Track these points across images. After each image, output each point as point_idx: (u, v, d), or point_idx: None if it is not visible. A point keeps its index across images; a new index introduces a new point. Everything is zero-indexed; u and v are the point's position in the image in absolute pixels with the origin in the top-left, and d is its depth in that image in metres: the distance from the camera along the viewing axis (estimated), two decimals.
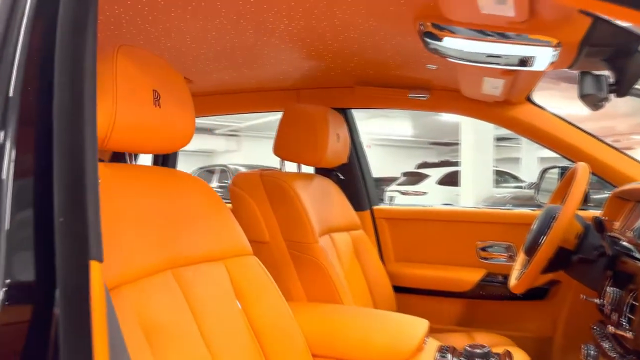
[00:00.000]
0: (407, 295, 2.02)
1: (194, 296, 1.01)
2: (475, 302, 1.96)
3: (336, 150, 1.77)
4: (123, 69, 0.90)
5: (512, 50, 1.20)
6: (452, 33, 1.18)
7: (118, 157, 1.11)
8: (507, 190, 9.75)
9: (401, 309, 1.91)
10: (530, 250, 1.35)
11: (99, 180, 0.59)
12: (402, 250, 2.13)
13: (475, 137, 8.91)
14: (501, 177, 11.09)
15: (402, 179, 11.30)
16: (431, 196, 10.07)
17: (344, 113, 2.05)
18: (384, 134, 14.33)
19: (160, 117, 0.99)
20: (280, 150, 1.72)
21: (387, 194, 10.50)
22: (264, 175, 1.63)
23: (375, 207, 2.15)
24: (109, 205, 0.83)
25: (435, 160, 12.92)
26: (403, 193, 10.54)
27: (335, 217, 1.84)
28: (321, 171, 2.06)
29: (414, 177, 11.07)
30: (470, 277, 1.94)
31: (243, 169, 8.34)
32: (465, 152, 9.16)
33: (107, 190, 0.86)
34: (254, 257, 1.20)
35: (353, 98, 2.00)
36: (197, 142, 13.91)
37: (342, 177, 2.09)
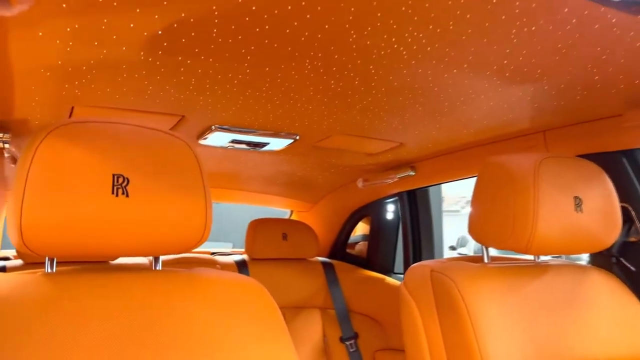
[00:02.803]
0: None
1: None
2: None
3: (574, 225, 1.02)
4: (48, 150, 0.70)
5: None
6: None
7: None
8: None
9: None
10: None
11: None
12: None
13: None
14: None
15: None
16: None
17: (625, 158, 1.22)
18: None
19: (128, 210, 0.72)
20: (474, 228, 1.12)
21: None
22: (435, 270, 1.08)
23: None
24: None
25: None
26: None
27: (594, 341, 1.04)
28: (598, 258, 1.26)
29: None
30: None
31: None
32: None
33: None
34: None
35: (629, 132, 1.16)
36: None
37: (633, 268, 1.21)
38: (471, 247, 11.45)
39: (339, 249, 2.40)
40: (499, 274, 1.05)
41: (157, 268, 0.84)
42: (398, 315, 1.96)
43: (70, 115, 1.23)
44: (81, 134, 0.72)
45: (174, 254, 0.79)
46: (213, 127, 1.37)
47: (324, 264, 2.17)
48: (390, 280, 2.04)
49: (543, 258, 1.21)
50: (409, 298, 1.11)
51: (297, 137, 1.48)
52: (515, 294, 1.03)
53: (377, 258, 2.17)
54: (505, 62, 0.95)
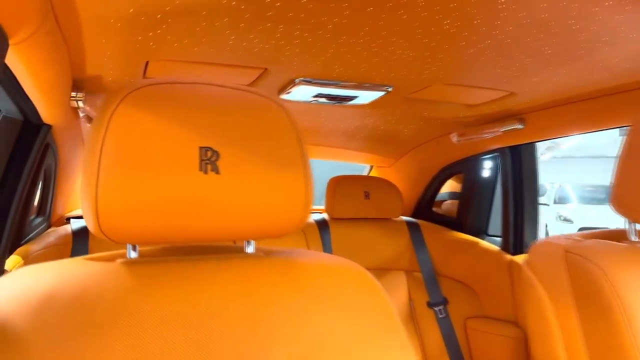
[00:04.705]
0: None
1: None
2: None
3: None
4: (123, 119, 0.57)
5: None
6: None
7: None
8: None
9: None
10: None
11: None
12: None
13: None
14: None
15: None
16: None
17: None
18: None
19: (218, 190, 0.59)
20: (618, 198, 0.92)
21: None
22: (571, 250, 0.89)
23: None
24: None
25: None
26: None
27: None
28: None
29: None
30: None
31: None
32: None
33: None
34: None
35: None
36: None
37: None
38: (551, 196, 10.77)
39: (425, 207, 2.23)
40: (627, 256, 0.85)
41: (248, 251, 0.72)
42: (494, 282, 1.79)
43: (144, 71, 1.12)
44: (161, 98, 0.59)
45: (271, 237, 0.66)
46: (297, 80, 1.21)
47: (409, 224, 2.01)
48: (484, 243, 1.86)
49: None
50: (535, 281, 0.93)
51: (390, 89, 1.30)
52: None
53: (470, 219, 1.99)
54: None
